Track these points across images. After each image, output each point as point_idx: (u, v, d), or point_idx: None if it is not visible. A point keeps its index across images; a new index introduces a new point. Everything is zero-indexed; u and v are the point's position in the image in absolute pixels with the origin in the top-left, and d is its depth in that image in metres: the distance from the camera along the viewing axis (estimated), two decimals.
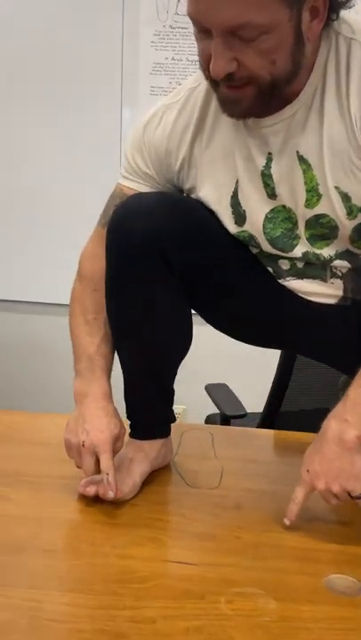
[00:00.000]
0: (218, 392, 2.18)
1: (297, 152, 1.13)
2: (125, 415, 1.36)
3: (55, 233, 2.67)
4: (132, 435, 1.36)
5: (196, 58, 2.68)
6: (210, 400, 2.16)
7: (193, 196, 1.27)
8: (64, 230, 2.59)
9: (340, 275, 1.23)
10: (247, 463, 1.46)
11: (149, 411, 1.37)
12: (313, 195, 1.15)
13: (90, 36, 2.55)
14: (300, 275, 1.25)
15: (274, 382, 1.99)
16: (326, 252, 1.20)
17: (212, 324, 1.37)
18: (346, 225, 1.15)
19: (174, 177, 1.27)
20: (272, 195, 1.19)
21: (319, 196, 1.14)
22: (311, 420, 2.20)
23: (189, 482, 1.36)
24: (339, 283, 1.23)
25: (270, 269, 1.28)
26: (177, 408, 2.81)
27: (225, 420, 2.06)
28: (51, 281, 2.60)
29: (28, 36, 2.57)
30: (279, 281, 1.27)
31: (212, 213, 1.26)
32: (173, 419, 1.43)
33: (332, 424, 1.15)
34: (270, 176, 1.17)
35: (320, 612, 0.99)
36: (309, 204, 1.15)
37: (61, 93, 2.60)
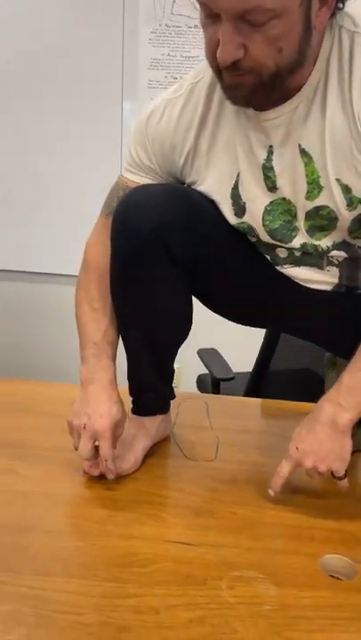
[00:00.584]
0: (209, 356, 2.04)
1: (299, 145, 0.95)
2: (128, 392, 1.21)
3: (62, 212, 2.47)
4: (134, 411, 1.20)
5: (190, 54, 2.46)
6: (198, 361, 2.03)
7: (195, 187, 1.09)
8: (70, 209, 2.42)
9: (336, 263, 1.05)
10: (241, 434, 1.30)
11: (150, 390, 1.20)
12: (314, 187, 0.97)
13: (93, 34, 2.36)
14: (298, 263, 1.07)
15: (262, 347, 1.84)
16: (324, 242, 1.02)
17: (211, 309, 1.20)
18: (345, 216, 0.97)
19: (178, 170, 1.09)
20: (272, 187, 1.01)
21: (320, 189, 0.97)
22: (295, 380, 2.10)
23: (187, 454, 1.21)
24: (335, 270, 1.06)
25: (268, 257, 1.10)
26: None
27: (215, 382, 1.93)
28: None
29: (37, 34, 2.37)
30: (277, 268, 1.10)
31: (213, 204, 1.08)
32: (173, 396, 1.26)
33: (326, 406, 1.01)
34: (271, 169, 0.99)
35: (320, 599, 0.84)
36: (310, 195, 0.98)
37: (67, 86, 2.41)
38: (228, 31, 0.81)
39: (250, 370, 1.90)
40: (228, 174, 1.04)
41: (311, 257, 1.05)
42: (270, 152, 0.98)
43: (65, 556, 0.90)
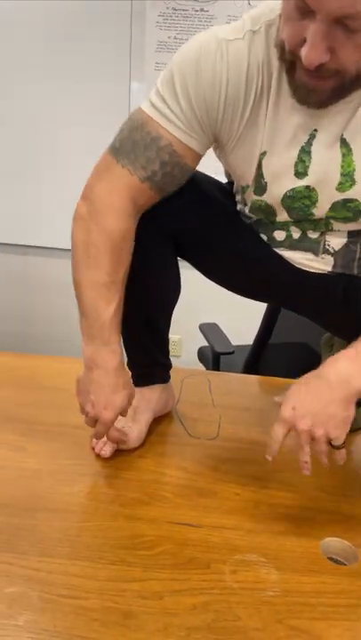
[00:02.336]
0: (210, 331, 1.98)
1: (341, 135, 0.85)
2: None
3: (71, 189, 2.36)
4: (133, 383, 1.12)
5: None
6: (200, 333, 1.98)
7: (224, 151, 0.93)
8: (79, 187, 2.31)
9: (331, 252, 0.97)
10: (242, 412, 1.24)
11: (146, 357, 1.13)
12: (347, 179, 0.87)
13: (102, 18, 2.24)
14: (293, 247, 0.98)
15: (262, 322, 1.78)
16: (338, 227, 0.94)
17: (208, 277, 1.10)
18: None
19: (217, 124, 0.88)
20: (302, 173, 0.89)
21: (353, 182, 0.87)
22: (293, 354, 2.04)
23: (190, 431, 1.15)
24: (329, 259, 0.97)
25: (265, 237, 1.01)
26: (173, 337, 2.66)
27: (215, 356, 1.87)
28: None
29: (47, 18, 2.25)
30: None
31: (206, 177, 0.99)
32: (170, 365, 1.19)
33: (341, 364, 0.84)
34: (309, 153, 0.87)
35: (321, 585, 0.78)
36: (342, 187, 0.88)
37: (77, 68, 2.30)
38: (320, 33, 0.69)
39: (249, 342, 1.85)
40: (257, 150, 0.90)
41: (308, 241, 0.97)
42: (312, 136, 0.87)
43: (71, 537, 0.84)
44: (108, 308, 0.93)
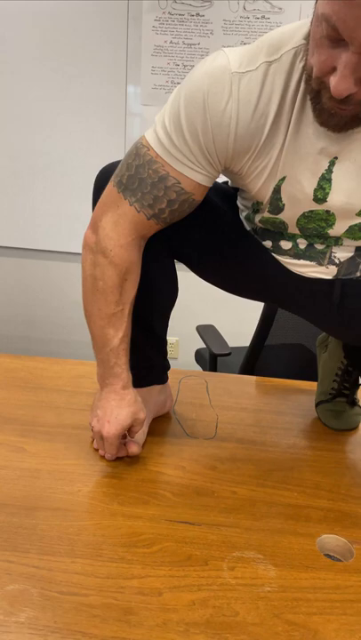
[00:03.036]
0: (207, 333, 2.00)
1: None
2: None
3: (69, 193, 2.40)
4: (133, 385, 1.14)
5: (192, 41, 2.30)
6: (197, 335, 1.99)
7: (237, 178, 0.93)
8: (77, 190, 2.36)
9: (337, 262, 0.97)
10: (239, 412, 1.25)
11: (143, 359, 1.13)
12: None
13: (99, 21, 2.26)
14: (298, 256, 0.99)
15: (259, 324, 1.79)
16: (349, 242, 0.95)
17: (202, 277, 1.11)
18: None
19: (229, 163, 0.88)
20: (322, 199, 0.88)
21: None
22: (289, 355, 2.05)
23: (188, 431, 1.16)
24: (333, 269, 0.98)
25: (269, 243, 1.01)
26: (171, 339, 2.67)
27: (213, 357, 1.88)
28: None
29: (43, 21, 2.27)
30: (274, 255, 1.01)
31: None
32: (168, 366, 1.20)
33: None
34: (329, 181, 0.86)
35: (318, 581, 0.80)
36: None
37: (75, 72, 2.32)
38: (352, 64, 0.68)
39: (246, 344, 1.86)
40: (275, 175, 0.88)
41: (314, 252, 0.97)
42: (332, 163, 0.85)
43: (71, 535, 0.85)
44: (116, 335, 0.98)
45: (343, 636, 0.72)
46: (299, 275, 1.01)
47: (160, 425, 1.17)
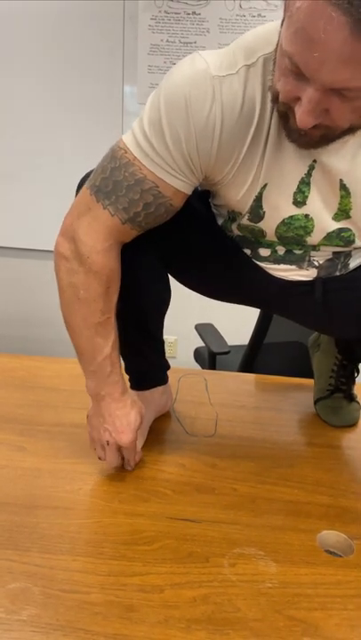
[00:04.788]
0: (206, 331, 2.00)
1: (340, 180, 0.84)
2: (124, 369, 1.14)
3: (64, 194, 2.38)
4: (133, 387, 1.14)
5: (188, 40, 2.28)
6: (196, 333, 1.99)
7: (214, 186, 0.91)
8: (72, 191, 2.33)
9: (316, 265, 0.97)
10: (238, 409, 1.25)
11: (143, 362, 1.14)
12: (342, 214, 0.88)
13: (95, 20, 2.26)
14: (278, 261, 0.98)
15: (258, 322, 1.79)
16: (326, 249, 0.95)
17: (184, 285, 1.11)
18: None
19: (210, 171, 0.86)
20: (301, 202, 0.87)
21: (348, 217, 0.88)
22: (287, 352, 2.06)
23: (188, 430, 1.16)
24: (313, 270, 0.98)
25: (248, 251, 1.00)
26: (169, 337, 2.67)
27: (212, 356, 1.88)
28: None
29: (39, 19, 2.26)
30: (254, 260, 1.00)
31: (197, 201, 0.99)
32: (167, 366, 1.20)
33: None
34: (308, 185, 0.85)
35: (318, 576, 0.80)
36: (337, 217, 0.89)
37: (71, 71, 2.31)
38: (315, 99, 0.66)
39: (244, 342, 1.86)
40: (257, 183, 0.87)
41: (294, 256, 0.96)
42: (312, 167, 0.84)
43: (72, 533, 0.85)
44: (107, 343, 0.94)
45: (344, 630, 0.72)
46: (280, 278, 1.00)
47: (160, 423, 1.17)
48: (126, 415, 0.96)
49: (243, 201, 0.89)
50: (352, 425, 1.21)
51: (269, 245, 0.97)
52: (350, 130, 0.73)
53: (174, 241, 1.00)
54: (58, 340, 2.65)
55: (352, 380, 1.26)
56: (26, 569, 0.78)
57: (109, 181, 0.86)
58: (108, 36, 2.27)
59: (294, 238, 0.92)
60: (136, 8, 2.25)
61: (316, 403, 1.27)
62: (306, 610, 0.74)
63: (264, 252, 0.98)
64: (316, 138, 0.75)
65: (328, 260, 0.97)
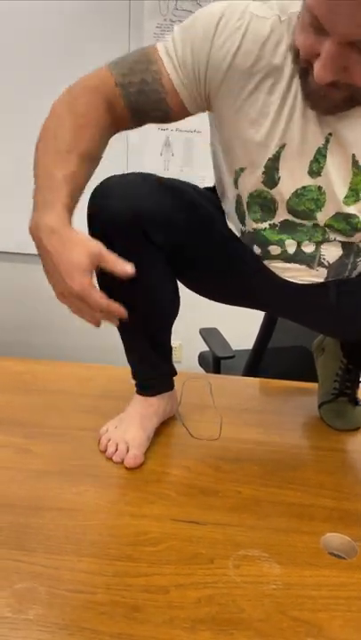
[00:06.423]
0: (210, 336, 2.01)
1: (353, 155, 0.86)
2: (131, 376, 1.16)
3: None
4: (140, 393, 1.15)
5: None
6: (200, 338, 2.01)
7: (215, 125, 0.93)
8: None
9: (326, 265, 0.98)
10: (242, 413, 1.26)
11: (152, 369, 1.14)
12: (353, 194, 0.89)
13: (101, 28, 2.29)
14: (289, 260, 0.99)
15: (262, 326, 1.80)
16: (334, 236, 0.95)
17: (192, 290, 1.12)
18: None
19: (215, 93, 0.88)
20: (316, 173, 0.89)
21: (358, 199, 0.89)
22: (291, 357, 2.06)
23: (193, 432, 1.17)
24: (323, 271, 0.99)
25: (258, 251, 1.01)
26: (174, 342, 2.68)
27: (216, 360, 1.89)
28: None
29: (43, 27, 2.30)
30: (264, 262, 1.01)
31: (193, 189, 1.00)
32: (174, 373, 1.20)
33: None
34: (325, 156, 0.87)
35: (322, 578, 0.80)
36: (347, 201, 0.90)
37: (74, 78, 2.30)
38: (333, 53, 0.70)
39: (249, 347, 1.87)
40: (270, 142, 0.88)
41: (304, 255, 0.97)
42: (327, 140, 0.86)
43: (77, 535, 0.86)
44: (62, 171, 0.85)
45: (348, 631, 0.72)
46: (291, 282, 1.01)
47: (165, 426, 1.18)
48: (70, 253, 0.80)
49: (261, 148, 0.89)
50: (356, 429, 1.22)
51: (278, 242, 0.98)
52: None
53: (185, 250, 1.01)
54: (60, 346, 2.68)
55: (357, 384, 1.27)
56: (32, 569, 0.79)
57: (123, 57, 0.93)
58: (114, 44, 2.30)
59: (305, 212, 0.93)
60: (141, 16, 2.27)
61: (320, 406, 1.27)
62: (310, 611, 0.75)
63: (274, 249, 0.99)
64: (337, 100, 0.77)
65: (338, 259, 0.97)
